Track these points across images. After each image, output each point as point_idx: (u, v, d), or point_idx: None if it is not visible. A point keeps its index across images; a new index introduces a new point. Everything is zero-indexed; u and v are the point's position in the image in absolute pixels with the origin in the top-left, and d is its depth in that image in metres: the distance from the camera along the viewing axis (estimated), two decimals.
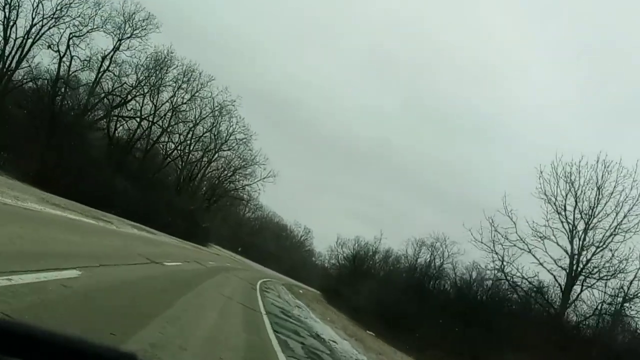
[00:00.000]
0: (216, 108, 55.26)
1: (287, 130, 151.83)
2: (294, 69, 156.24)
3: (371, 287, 46.15)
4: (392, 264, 62.97)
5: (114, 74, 41.11)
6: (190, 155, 61.84)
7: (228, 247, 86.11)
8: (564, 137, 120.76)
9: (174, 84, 49.57)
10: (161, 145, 53.98)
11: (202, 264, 22.19)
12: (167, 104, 49.00)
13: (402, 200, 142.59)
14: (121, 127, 47.11)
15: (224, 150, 64.85)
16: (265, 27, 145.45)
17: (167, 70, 46.81)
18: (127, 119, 45.25)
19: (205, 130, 60.66)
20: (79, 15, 40.45)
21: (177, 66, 48.56)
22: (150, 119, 47.54)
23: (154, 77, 44.90)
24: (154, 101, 48.01)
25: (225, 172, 64.48)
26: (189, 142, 57.72)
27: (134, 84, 42.29)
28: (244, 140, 64.27)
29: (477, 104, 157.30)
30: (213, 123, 61.44)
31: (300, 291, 45.75)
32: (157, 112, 47.77)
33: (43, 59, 43.11)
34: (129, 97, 42.17)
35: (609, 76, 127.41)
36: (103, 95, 41.34)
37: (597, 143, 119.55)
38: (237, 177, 64.51)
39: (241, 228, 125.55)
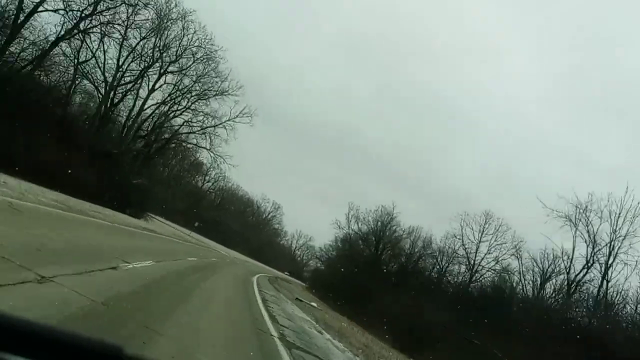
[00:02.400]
0: None
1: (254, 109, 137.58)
2: (263, 48, 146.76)
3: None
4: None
5: None
6: (125, 70, 38.02)
7: (182, 222, 63.02)
8: (537, 128, 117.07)
9: None
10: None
11: None
12: None
13: (369, 185, 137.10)
14: None
15: (174, 73, 41.27)
16: (236, 4, 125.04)
17: None
18: None
19: (144, 30, 36.95)
20: None
21: None
22: None
23: None
24: None
25: (177, 104, 41.07)
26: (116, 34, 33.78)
27: None
28: (206, 58, 40.89)
29: (450, 93, 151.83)
30: (157, 26, 37.83)
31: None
32: None
33: None
34: None
35: (586, 69, 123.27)
36: None
37: (571, 136, 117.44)
38: (195, 114, 41.15)
39: (200, 201, 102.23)
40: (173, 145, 41.96)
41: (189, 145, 41.90)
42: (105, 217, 21.14)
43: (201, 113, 41.12)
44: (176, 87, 41.34)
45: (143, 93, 41.52)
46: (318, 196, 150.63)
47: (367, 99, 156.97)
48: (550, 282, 36.58)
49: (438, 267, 37.31)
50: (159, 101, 41.50)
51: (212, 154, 40.26)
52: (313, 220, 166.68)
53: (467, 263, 37.64)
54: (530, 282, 35.25)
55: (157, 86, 41.21)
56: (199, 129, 40.42)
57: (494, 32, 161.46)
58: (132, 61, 38.63)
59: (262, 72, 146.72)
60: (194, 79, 40.02)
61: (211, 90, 40.30)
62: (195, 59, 40.55)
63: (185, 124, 41.36)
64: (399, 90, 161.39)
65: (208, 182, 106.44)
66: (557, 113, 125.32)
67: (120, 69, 38.17)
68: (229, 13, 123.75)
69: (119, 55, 37.43)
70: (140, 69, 38.90)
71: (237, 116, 41.70)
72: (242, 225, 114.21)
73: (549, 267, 35.89)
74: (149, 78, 40.56)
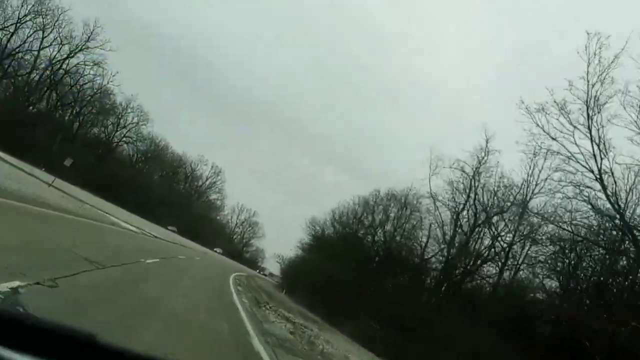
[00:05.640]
0: None
1: (187, 81, 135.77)
2: (198, 19, 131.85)
3: None
4: None
5: None
6: None
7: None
8: (480, 110, 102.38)
9: None
10: None
11: None
12: None
13: (306, 162, 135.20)
14: None
15: None
16: None
17: None
18: None
19: None
20: None
21: None
22: None
23: None
24: None
25: None
26: None
27: None
28: None
29: (389, 72, 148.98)
30: None
31: None
32: None
33: None
34: None
35: (530, 50, 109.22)
36: None
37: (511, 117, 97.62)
38: None
39: (107, 153, 70.46)
40: None
41: None
42: None
43: None
44: None
45: None
46: (256, 171, 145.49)
47: (304, 75, 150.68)
48: None
49: None
50: None
51: None
52: (252, 196, 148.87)
53: None
54: None
55: None
56: None
57: (436, 14, 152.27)
58: None
59: (205, 44, 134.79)
60: None
61: None
62: None
63: None
64: (336, 68, 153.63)
65: (123, 127, 73.42)
66: (496, 99, 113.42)
67: None
68: None
69: None
70: None
71: None
72: (170, 192, 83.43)
73: None
74: None
